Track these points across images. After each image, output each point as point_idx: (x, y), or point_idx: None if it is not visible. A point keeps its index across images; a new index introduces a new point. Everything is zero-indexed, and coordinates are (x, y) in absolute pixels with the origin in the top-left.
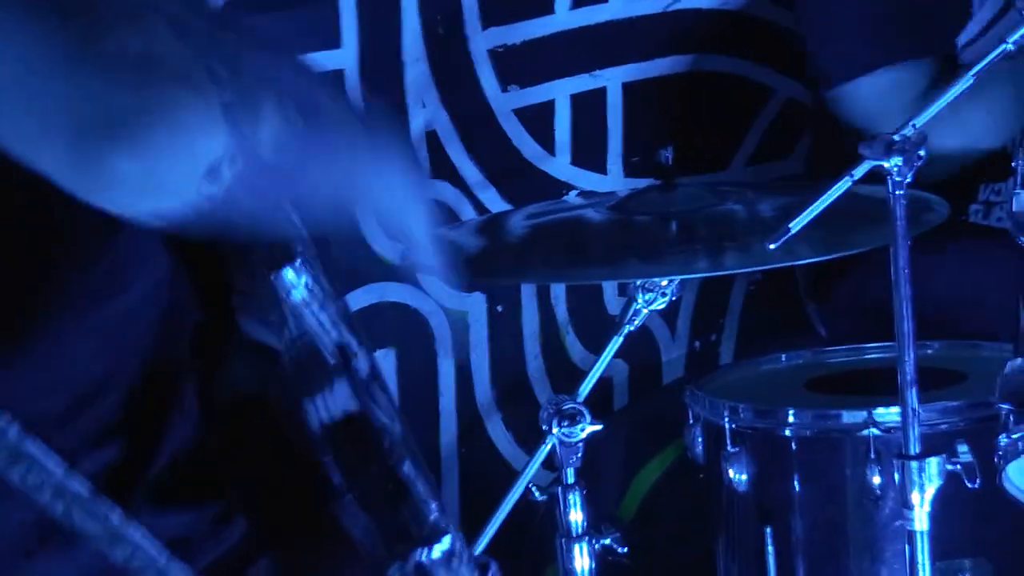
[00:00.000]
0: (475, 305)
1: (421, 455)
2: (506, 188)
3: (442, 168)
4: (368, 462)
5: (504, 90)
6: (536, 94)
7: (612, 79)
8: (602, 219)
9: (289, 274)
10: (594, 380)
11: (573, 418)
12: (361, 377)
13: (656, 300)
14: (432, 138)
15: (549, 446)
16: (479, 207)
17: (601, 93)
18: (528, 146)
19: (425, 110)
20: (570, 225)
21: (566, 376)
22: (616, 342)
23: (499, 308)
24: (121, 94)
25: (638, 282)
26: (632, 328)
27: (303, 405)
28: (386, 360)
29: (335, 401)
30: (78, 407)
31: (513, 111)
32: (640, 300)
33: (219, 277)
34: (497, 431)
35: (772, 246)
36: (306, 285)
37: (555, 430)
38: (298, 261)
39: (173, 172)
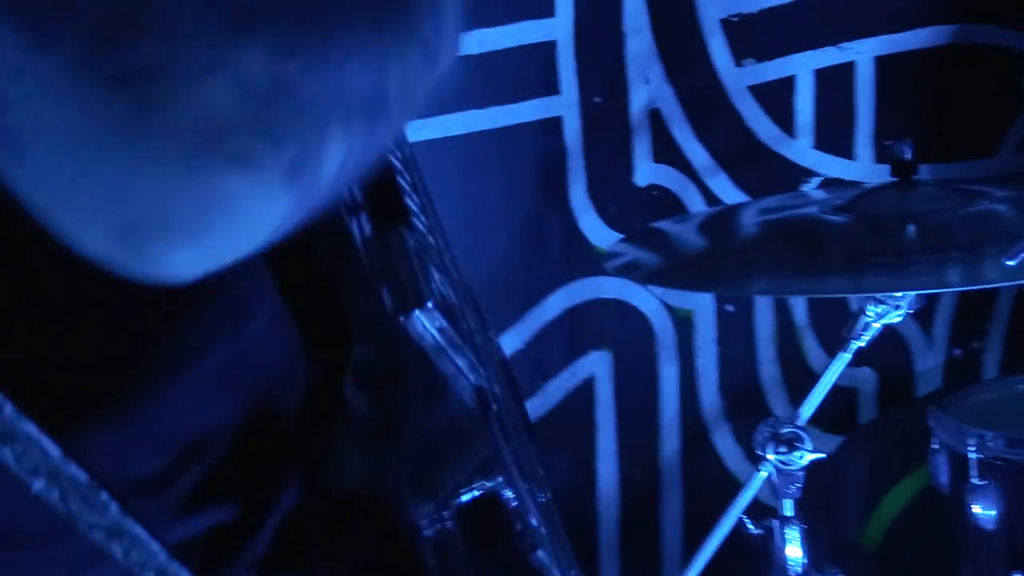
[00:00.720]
0: (702, 304)
1: (558, 520)
2: (738, 174)
3: (667, 151)
4: (492, 554)
5: (738, 64)
6: (774, 69)
7: (862, 52)
8: (843, 218)
9: (420, 319)
10: (818, 401)
11: (791, 443)
12: (500, 429)
13: (889, 313)
14: (655, 117)
15: (764, 474)
16: (707, 195)
17: (849, 68)
18: (764, 127)
19: (648, 86)
20: (807, 224)
21: (804, 385)
22: (843, 360)
23: (729, 307)
24: (174, 187)
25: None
26: (863, 345)
27: (418, 495)
28: (601, 363)
29: (463, 466)
30: (184, 461)
31: (748, 88)
32: (871, 313)
33: (335, 330)
34: (725, 444)
35: (1011, 263)
36: (439, 330)
37: (771, 456)
38: (429, 303)
39: (234, 250)
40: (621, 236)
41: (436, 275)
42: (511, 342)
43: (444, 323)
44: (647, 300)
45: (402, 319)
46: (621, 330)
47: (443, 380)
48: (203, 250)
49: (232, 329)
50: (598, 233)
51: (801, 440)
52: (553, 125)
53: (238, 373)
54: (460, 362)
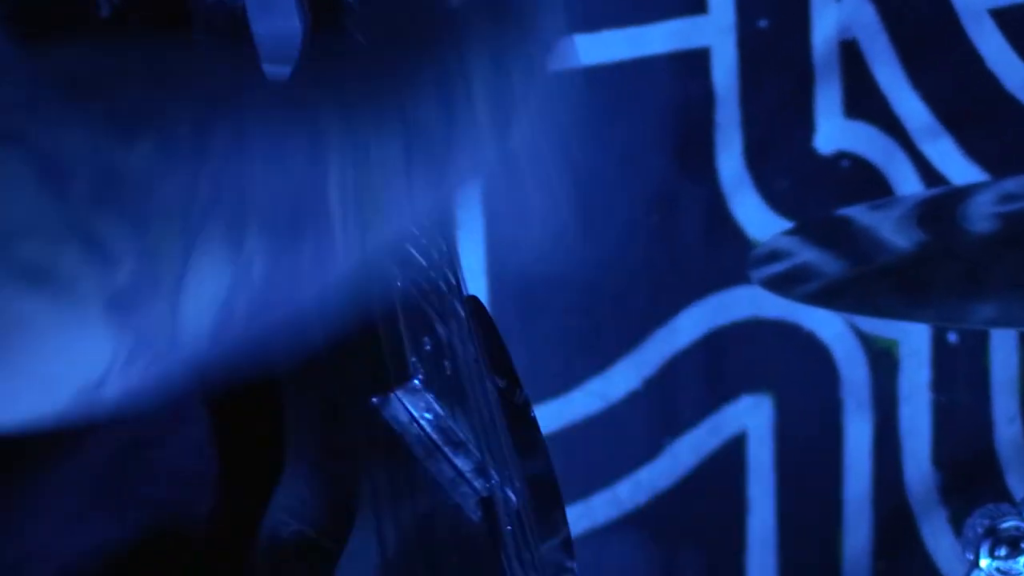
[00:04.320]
0: (911, 331)
1: None
2: (971, 137)
3: (865, 103)
4: None
5: None
6: None
7: None
8: None
9: (400, 402)
10: None
11: (1016, 544)
12: (516, 551)
13: None
14: (850, 52)
15: None
16: (924, 170)
17: None
18: (1013, 70)
19: (840, 5)
20: None
21: None
22: None
23: (952, 338)
24: None
25: None
26: None
27: None
28: (757, 414)
29: None
30: None
31: (989, 11)
32: None
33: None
34: (938, 536)
35: None
36: (429, 419)
37: (984, 562)
38: (416, 379)
39: (37, 395)
40: (790, 225)
41: (437, 324)
42: (624, 379)
43: (437, 407)
44: (829, 323)
45: (374, 403)
46: (788, 367)
47: (433, 492)
48: None
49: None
50: (757, 220)
51: None
52: (697, 60)
53: (125, 475)
54: (461, 463)
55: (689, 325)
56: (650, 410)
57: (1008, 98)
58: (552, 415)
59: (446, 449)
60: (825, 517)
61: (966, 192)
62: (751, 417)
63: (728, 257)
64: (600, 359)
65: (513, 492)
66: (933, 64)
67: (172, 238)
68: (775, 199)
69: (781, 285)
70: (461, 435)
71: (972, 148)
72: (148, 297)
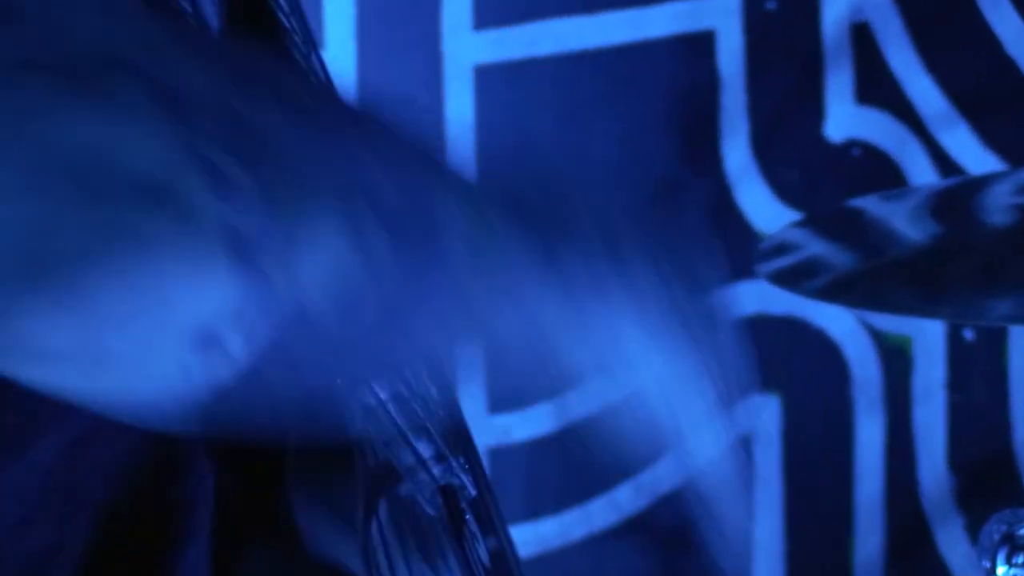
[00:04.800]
0: (925, 328)
1: None
2: (988, 125)
3: (878, 88)
4: None
5: None
6: None
7: None
8: None
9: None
10: None
11: None
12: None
13: None
14: (861, 35)
15: None
16: (939, 159)
17: None
18: None
19: None
20: None
21: None
22: None
23: (968, 335)
24: (50, 217)
25: None
26: None
27: None
28: (764, 415)
29: None
30: None
31: None
32: None
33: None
34: (953, 543)
35: None
36: (393, 397)
37: (1001, 570)
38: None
39: (128, 342)
40: (798, 217)
41: None
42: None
43: (402, 386)
44: (839, 319)
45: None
46: (796, 365)
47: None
48: (83, 326)
49: (57, 409)
50: (764, 211)
51: None
52: (701, 44)
53: (73, 474)
54: (422, 448)
55: None
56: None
57: None
58: (548, 416)
59: (410, 435)
60: (835, 523)
61: (983, 182)
62: (758, 419)
63: (734, 250)
64: None
65: (470, 482)
66: (949, 48)
67: (292, 196)
68: (783, 189)
69: (789, 280)
70: (422, 415)
71: (989, 136)
72: (270, 249)
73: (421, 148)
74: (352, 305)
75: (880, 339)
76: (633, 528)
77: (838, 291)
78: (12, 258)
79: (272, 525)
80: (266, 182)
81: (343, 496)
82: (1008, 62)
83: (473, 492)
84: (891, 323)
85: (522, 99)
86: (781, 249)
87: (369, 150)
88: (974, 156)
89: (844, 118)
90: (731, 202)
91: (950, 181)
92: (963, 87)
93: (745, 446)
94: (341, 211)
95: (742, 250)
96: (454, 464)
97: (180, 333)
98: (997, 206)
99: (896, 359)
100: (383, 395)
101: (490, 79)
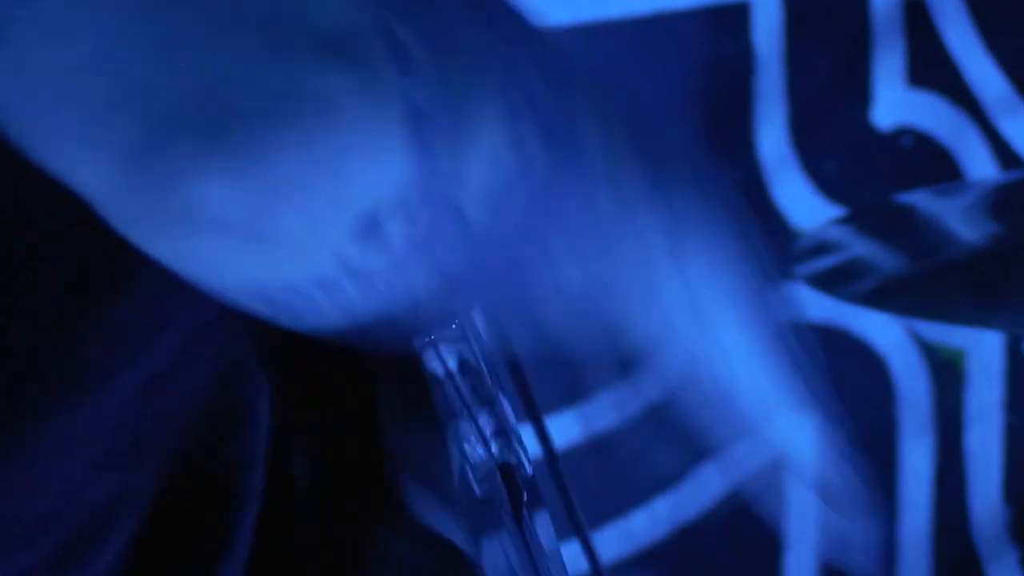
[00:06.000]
0: (981, 340)
1: None
2: None
3: (933, 70)
4: None
5: None
6: None
7: None
8: None
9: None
10: None
11: None
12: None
13: None
14: (915, 10)
15: None
16: (999, 148)
17: None
18: None
19: None
20: None
21: None
22: None
23: None
24: (230, 68)
25: None
26: None
27: None
28: (797, 432)
29: None
30: (73, 553)
31: None
32: None
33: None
34: None
35: None
36: (460, 365)
37: None
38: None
39: (298, 217)
40: (840, 213)
41: None
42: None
43: (469, 354)
44: (884, 329)
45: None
46: (835, 380)
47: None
48: (248, 189)
49: (139, 343)
50: (802, 206)
51: None
52: (734, 16)
53: (149, 411)
54: (484, 421)
55: None
56: (671, 428)
57: None
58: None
59: (472, 407)
60: (877, 559)
61: None
62: (790, 438)
63: (767, 249)
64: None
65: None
66: (1011, 26)
67: (464, 83)
68: (824, 181)
69: (829, 283)
70: (489, 387)
71: None
72: (443, 134)
73: (566, 62)
74: (503, 209)
75: (930, 352)
76: (648, 562)
77: (884, 297)
78: (188, 113)
79: (378, 501)
80: (443, 66)
81: (436, 459)
82: None
83: (530, 471)
84: (943, 334)
85: None
86: (820, 249)
87: (528, 50)
88: None
89: (894, 102)
90: (765, 195)
91: (1012, 175)
92: None
93: (775, 472)
94: (505, 107)
95: (776, 249)
96: (514, 440)
97: (348, 215)
98: None
99: (948, 375)
100: (451, 363)
101: None
